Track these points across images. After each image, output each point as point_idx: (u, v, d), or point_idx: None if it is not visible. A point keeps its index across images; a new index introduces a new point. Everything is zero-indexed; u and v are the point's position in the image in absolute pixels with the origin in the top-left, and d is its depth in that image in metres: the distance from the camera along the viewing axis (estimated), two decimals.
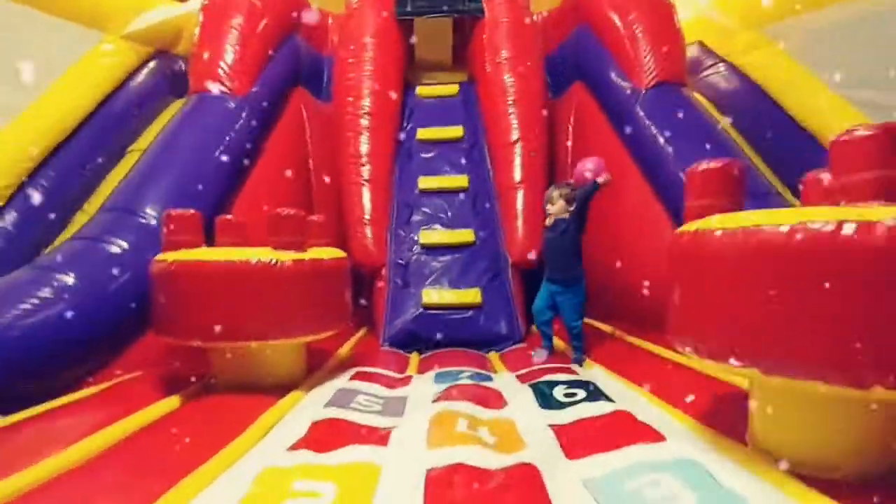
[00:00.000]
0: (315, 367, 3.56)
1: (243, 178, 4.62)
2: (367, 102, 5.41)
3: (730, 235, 1.88)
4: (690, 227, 2.13)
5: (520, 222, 5.08)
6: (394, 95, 5.59)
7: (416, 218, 5.24)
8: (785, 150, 4.92)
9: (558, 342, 4.22)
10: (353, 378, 3.41)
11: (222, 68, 4.84)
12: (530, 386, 3.25)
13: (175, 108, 5.23)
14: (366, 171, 5.26)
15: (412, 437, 2.40)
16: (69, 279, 3.42)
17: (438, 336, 4.59)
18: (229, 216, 3.66)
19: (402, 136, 5.65)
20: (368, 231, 5.09)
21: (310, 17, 5.21)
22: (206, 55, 4.90)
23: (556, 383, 3.21)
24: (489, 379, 3.50)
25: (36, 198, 4.48)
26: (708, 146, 4.23)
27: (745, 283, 1.84)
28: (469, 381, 3.32)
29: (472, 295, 4.76)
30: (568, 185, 3.90)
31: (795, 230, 1.69)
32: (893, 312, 1.59)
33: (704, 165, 2.30)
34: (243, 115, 4.74)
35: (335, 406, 2.81)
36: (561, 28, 5.88)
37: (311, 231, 3.37)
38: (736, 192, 2.23)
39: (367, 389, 3.19)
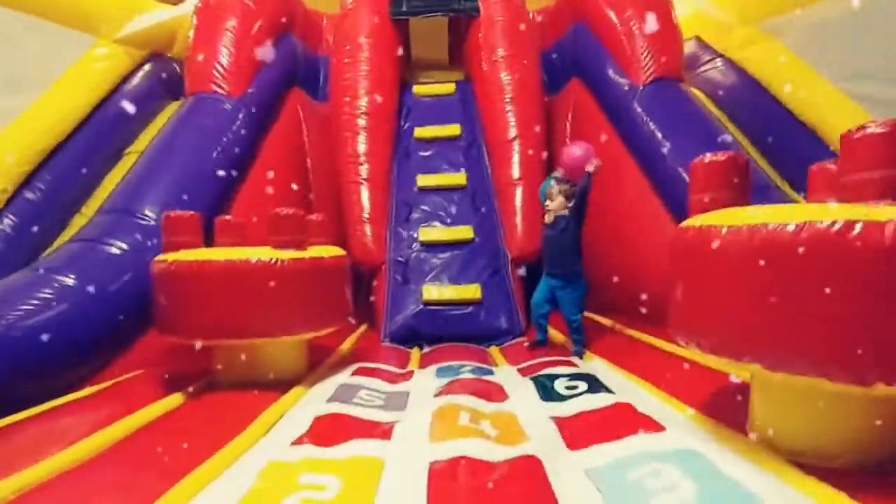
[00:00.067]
0: (317, 364, 3.57)
1: (241, 178, 4.63)
2: (363, 102, 5.42)
3: (735, 233, 1.87)
4: (695, 222, 2.12)
5: (518, 219, 5.10)
6: (390, 95, 5.60)
7: (415, 216, 5.25)
8: (783, 144, 4.94)
9: (558, 335, 4.23)
10: (354, 374, 3.42)
11: (218, 70, 4.85)
12: (531, 379, 3.27)
13: (171, 110, 5.24)
14: (364, 171, 5.27)
15: (415, 431, 2.41)
16: (69, 281, 3.44)
17: (439, 332, 4.60)
18: (228, 217, 3.68)
19: (400, 134, 5.66)
20: (368, 229, 5.11)
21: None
22: (200, 57, 4.92)
23: (557, 376, 3.22)
24: (490, 373, 3.51)
25: (34, 201, 4.49)
26: (705, 141, 4.25)
27: (749, 280, 1.83)
28: (470, 376, 3.33)
29: (472, 291, 4.78)
30: (568, 181, 3.90)
31: (801, 229, 1.69)
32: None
33: (709, 158, 2.27)
34: (240, 116, 4.76)
35: (338, 401, 2.82)
36: (557, 25, 5.89)
37: (310, 230, 3.38)
38: (741, 186, 2.20)
39: (369, 385, 3.21)
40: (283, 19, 5.39)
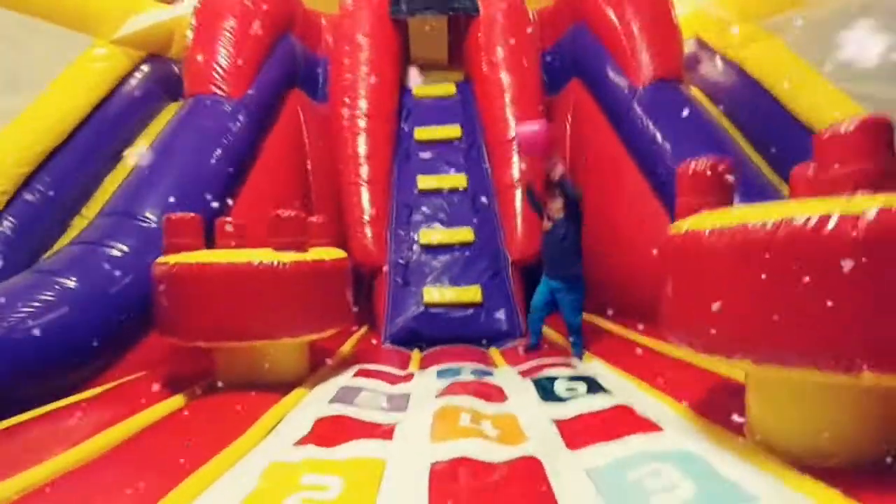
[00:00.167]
0: (318, 365, 3.58)
1: (242, 180, 4.64)
2: (363, 103, 5.43)
3: (718, 233, 1.94)
4: (682, 225, 2.18)
5: (519, 220, 5.10)
6: (391, 96, 5.60)
7: (415, 217, 5.26)
8: (782, 144, 4.93)
9: (558, 337, 4.24)
10: (356, 375, 3.43)
11: (217, 71, 4.85)
12: (532, 380, 3.28)
13: (171, 111, 5.24)
14: (364, 172, 5.28)
15: (416, 432, 2.43)
16: (71, 283, 3.45)
17: (439, 334, 4.61)
18: (229, 218, 3.68)
19: (400, 135, 5.67)
20: (368, 231, 5.11)
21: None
22: (200, 58, 4.91)
23: (557, 378, 3.24)
24: (490, 374, 3.53)
25: (33, 203, 4.49)
26: (704, 142, 4.26)
27: (735, 278, 1.90)
28: (471, 377, 3.35)
29: (472, 293, 4.79)
30: (557, 184, 3.86)
31: (779, 225, 1.75)
32: (878, 299, 1.64)
33: (693, 166, 2.37)
34: (240, 117, 4.76)
35: (339, 402, 2.83)
36: (557, 25, 5.90)
37: (311, 232, 3.40)
38: (724, 189, 2.31)
39: (370, 386, 3.22)
40: (283, 20, 5.40)
